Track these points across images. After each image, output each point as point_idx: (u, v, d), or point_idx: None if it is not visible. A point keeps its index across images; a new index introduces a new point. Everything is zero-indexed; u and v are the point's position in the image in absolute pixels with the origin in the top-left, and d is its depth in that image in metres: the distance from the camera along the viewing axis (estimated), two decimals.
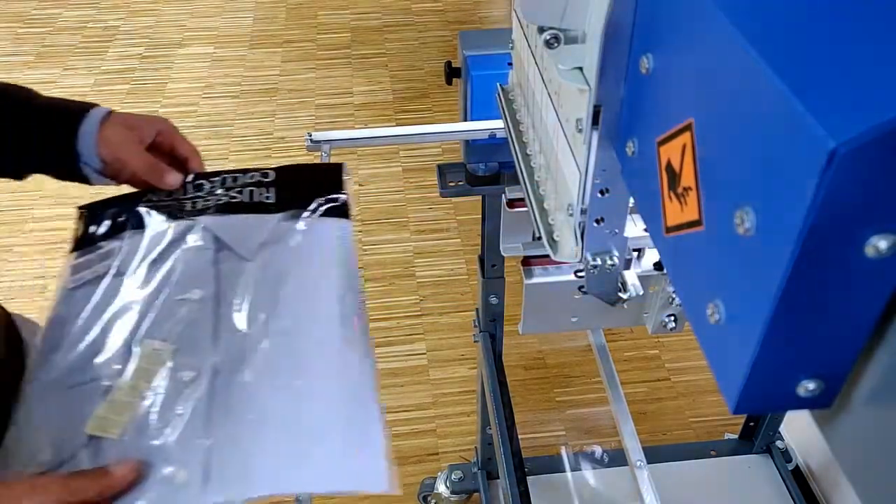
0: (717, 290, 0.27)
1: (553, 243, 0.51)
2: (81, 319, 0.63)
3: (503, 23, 2.84)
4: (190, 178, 0.70)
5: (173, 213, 0.69)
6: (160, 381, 0.57)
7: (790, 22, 0.23)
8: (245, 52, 2.71)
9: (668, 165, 0.30)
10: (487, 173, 0.86)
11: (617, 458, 0.66)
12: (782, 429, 1.28)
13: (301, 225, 0.67)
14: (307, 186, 0.70)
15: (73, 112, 0.65)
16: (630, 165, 0.37)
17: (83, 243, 0.70)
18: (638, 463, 0.63)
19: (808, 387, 0.24)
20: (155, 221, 0.68)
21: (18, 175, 0.70)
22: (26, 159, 0.68)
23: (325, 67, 2.63)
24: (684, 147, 0.28)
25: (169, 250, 0.67)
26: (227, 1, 3.00)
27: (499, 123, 0.92)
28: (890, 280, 0.21)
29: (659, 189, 0.31)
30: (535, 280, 0.59)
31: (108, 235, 0.70)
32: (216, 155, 2.16)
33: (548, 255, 0.51)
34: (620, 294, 0.55)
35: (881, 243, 0.20)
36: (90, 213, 0.73)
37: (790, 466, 1.26)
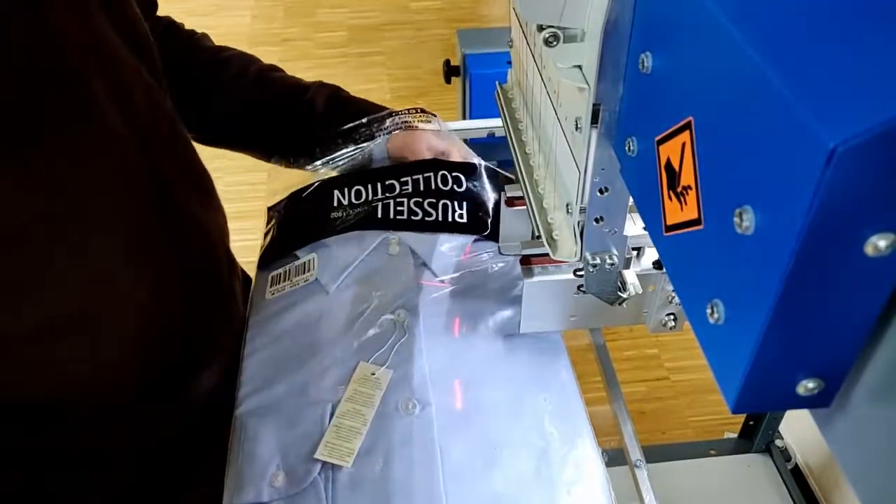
0: (716, 288, 0.26)
1: (552, 242, 0.51)
2: (291, 336, 0.64)
3: (502, 21, 2.83)
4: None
5: (366, 221, 0.70)
6: (379, 406, 0.58)
7: (789, 20, 0.23)
8: (243, 50, 2.71)
9: (668, 164, 0.30)
10: None
11: (616, 457, 0.66)
12: (782, 428, 1.28)
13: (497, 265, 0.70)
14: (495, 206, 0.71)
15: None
16: (629, 164, 0.36)
17: (275, 250, 0.71)
18: (637, 462, 0.63)
19: (807, 386, 0.24)
20: (350, 235, 0.69)
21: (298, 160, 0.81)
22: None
23: (324, 66, 2.62)
24: (683, 146, 0.28)
25: (369, 262, 0.68)
26: None
27: (497, 122, 0.92)
28: (890, 279, 0.21)
29: (658, 188, 0.31)
30: (534, 279, 0.59)
31: (301, 243, 0.70)
32: (215, 155, 2.16)
33: (547, 255, 0.51)
34: (620, 293, 0.55)
35: (881, 242, 0.20)
36: (279, 214, 0.74)
37: (790, 465, 1.26)
